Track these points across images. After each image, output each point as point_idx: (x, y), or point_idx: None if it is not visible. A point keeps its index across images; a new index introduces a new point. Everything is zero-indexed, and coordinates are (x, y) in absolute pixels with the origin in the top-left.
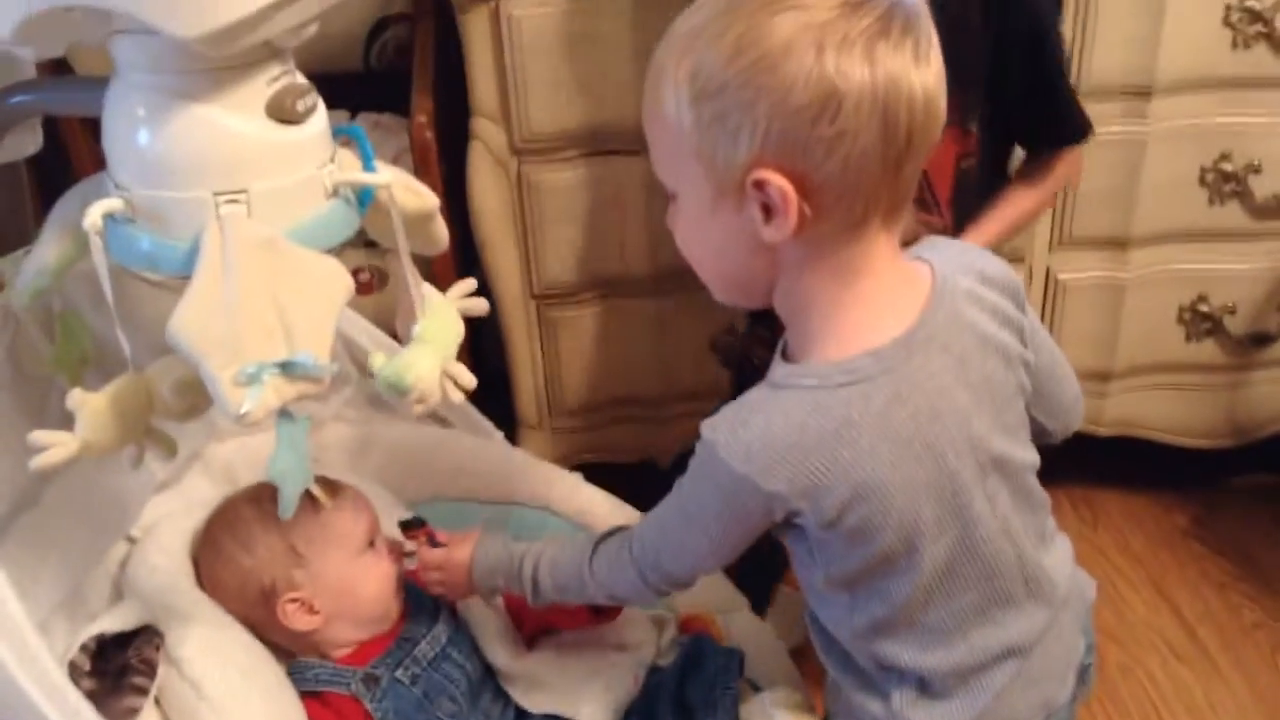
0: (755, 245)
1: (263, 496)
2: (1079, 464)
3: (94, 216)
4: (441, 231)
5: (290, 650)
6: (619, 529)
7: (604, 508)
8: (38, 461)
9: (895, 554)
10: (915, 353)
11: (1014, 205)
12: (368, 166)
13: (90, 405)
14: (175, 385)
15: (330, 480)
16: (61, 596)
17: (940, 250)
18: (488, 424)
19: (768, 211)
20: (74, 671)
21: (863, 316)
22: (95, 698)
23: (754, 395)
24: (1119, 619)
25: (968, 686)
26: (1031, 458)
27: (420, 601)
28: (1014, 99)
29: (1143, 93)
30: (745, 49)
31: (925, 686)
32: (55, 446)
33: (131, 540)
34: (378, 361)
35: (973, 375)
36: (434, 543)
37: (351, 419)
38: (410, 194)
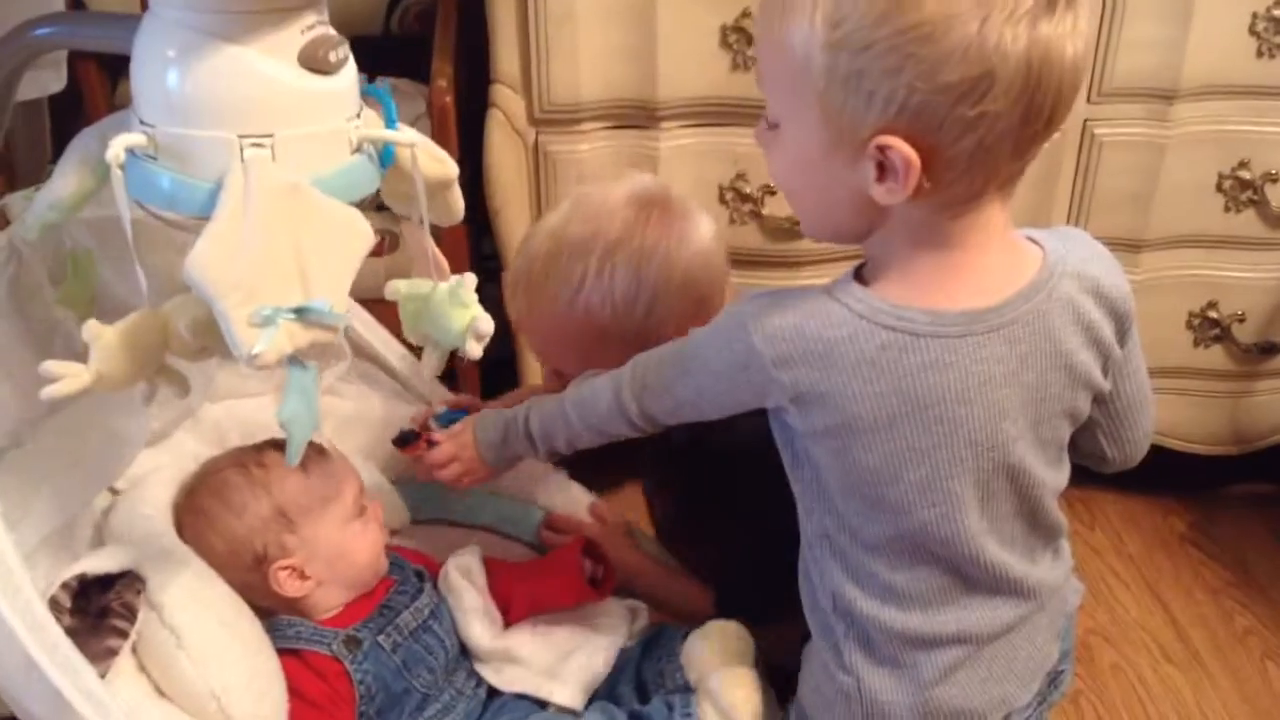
0: (861, 200)
1: (248, 462)
2: (1078, 464)
3: (117, 149)
4: (458, 202)
5: (273, 611)
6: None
7: (586, 505)
8: (49, 391)
9: (867, 490)
10: (976, 333)
11: None
12: (390, 127)
13: (105, 338)
14: (191, 323)
15: (317, 444)
16: (49, 532)
17: (1067, 244)
18: None
19: (881, 171)
20: (55, 608)
21: (945, 281)
22: (74, 635)
23: (804, 291)
24: (1112, 619)
25: (915, 658)
26: (1055, 479)
27: (405, 574)
28: None
29: (1166, 96)
30: (902, 10)
31: (871, 646)
32: (67, 378)
33: (115, 493)
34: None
35: (1028, 378)
36: (433, 444)
37: (343, 394)
38: (431, 160)
